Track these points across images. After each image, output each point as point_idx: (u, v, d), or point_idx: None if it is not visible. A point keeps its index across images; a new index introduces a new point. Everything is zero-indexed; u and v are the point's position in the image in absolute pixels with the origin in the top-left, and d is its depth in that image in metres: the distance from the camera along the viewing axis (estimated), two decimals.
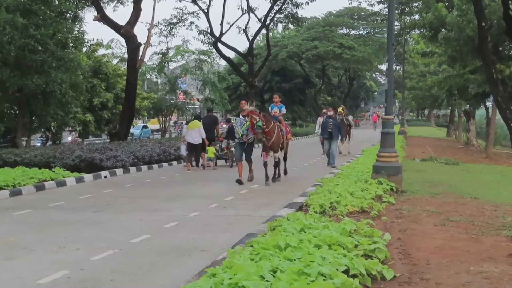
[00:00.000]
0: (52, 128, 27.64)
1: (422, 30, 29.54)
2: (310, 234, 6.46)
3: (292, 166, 17.75)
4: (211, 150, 19.38)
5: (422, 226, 7.95)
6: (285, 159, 16.15)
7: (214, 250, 7.26)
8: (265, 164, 14.34)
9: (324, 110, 25.81)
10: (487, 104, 35.33)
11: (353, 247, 6.13)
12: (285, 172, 16.08)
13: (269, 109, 16.39)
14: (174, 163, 21.11)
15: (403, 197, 10.88)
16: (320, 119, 23.86)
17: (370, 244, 6.21)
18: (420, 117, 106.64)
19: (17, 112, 22.55)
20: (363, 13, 64.09)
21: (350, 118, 28.34)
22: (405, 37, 43.09)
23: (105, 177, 16.69)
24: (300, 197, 11.14)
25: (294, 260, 5.41)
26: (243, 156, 14.95)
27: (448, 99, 37.77)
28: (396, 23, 20.79)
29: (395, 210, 9.30)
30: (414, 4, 36.24)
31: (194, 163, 19.51)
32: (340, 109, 24.79)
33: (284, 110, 16.15)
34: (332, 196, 9.75)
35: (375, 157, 13.40)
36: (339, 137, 21.29)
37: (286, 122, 18.79)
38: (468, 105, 36.05)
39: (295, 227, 6.96)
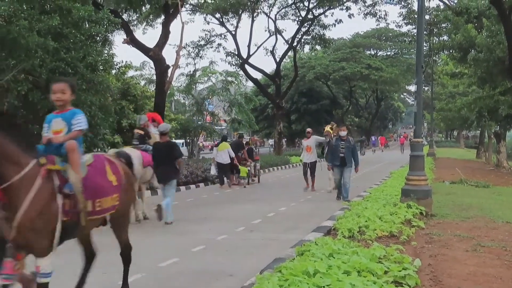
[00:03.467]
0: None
1: (451, 51, 29.39)
2: (339, 259, 6.40)
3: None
4: (243, 170, 21.12)
5: (453, 252, 7.82)
6: (126, 262, 6.84)
7: (241, 274, 7.22)
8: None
9: (309, 130, 19.59)
10: None
11: (383, 273, 6.05)
12: None
13: (46, 126, 5.77)
14: (202, 185, 21.13)
15: (433, 221, 10.72)
16: (305, 143, 18.94)
17: (400, 271, 6.12)
18: (449, 138, 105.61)
19: None
20: (390, 34, 63.90)
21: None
22: (434, 58, 42.82)
23: None
24: (328, 221, 11.04)
25: (323, 287, 5.36)
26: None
27: (478, 121, 37.33)
28: (424, 44, 20.61)
29: (425, 235, 9.16)
30: (443, 25, 36.05)
31: (227, 181, 20.87)
32: (327, 128, 18.24)
33: (79, 125, 5.69)
34: (360, 220, 9.65)
35: (403, 180, 13.27)
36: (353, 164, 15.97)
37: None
38: (498, 127, 35.61)
39: (323, 252, 6.90)
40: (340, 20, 39.80)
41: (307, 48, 45.63)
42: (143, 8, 27.33)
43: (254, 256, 8.38)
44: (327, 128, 18.22)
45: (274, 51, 41.92)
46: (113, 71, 26.84)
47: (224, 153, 20.27)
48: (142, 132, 13.35)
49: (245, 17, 40.31)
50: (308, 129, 19.68)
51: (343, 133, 15.98)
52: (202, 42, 41.38)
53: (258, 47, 41.62)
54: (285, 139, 64.18)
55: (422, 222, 10.19)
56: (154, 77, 30.82)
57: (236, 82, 42.86)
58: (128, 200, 6.17)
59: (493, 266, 6.95)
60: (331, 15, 67.76)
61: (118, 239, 6.48)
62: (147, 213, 12.52)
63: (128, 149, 12.47)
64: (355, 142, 17.98)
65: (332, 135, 17.24)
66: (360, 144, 57.95)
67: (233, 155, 20.40)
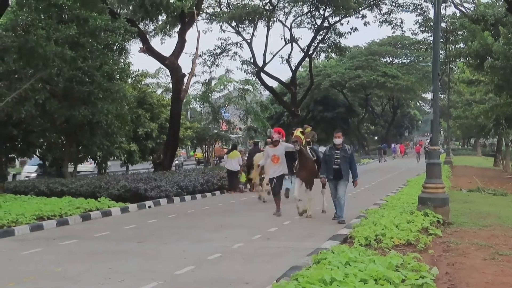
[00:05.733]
0: (98, 157, 28.07)
1: (467, 58, 29.26)
2: (355, 268, 6.37)
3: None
4: (243, 176, 22.05)
5: (470, 260, 7.75)
6: None
7: (257, 282, 7.21)
8: None
9: (275, 136, 15.03)
10: None
11: (400, 281, 6.02)
12: None
13: None
14: (217, 193, 21.15)
15: (450, 230, 10.64)
16: (271, 151, 14.73)
17: (417, 279, 6.09)
18: (466, 146, 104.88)
19: (64, 142, 22.97)
20: (406, 42, 63.62)
21: (322, 149, 15.42)
22: (450, 66, 42.65)
23: (149, 207, 16.79)
24: (345, 229, 11.00)
25: None
26: None
27: (495, 128, 37.09)
28: (440, 51, 20.39)
29: (442, 243, 9.10)
30: (459, 33, 35.89)
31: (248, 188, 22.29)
32: (297, 132, 13.72)
33: None
34: (377, 228, 9.60)
35: (420, 188, 13.19)
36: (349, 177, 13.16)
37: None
38: None
39: (340, 260, 6.87)
40: (356, 28, 39.56)
41: (322, 56, 45.61)
42: (160, 17, 27.52)
43: (270, 264, 8.36)
44: (297, 132, 13.74)
45: (290, 59, 41.90)
46: (130, 80, 27.01)
47: (234, 161, 21.36)
48: (270, 140, 16.84)
49: (261, 25, 40.16)
50: (274, 135, 15.33)
51: (338, 140, 13.07)
52: (218, 51, 41.47)
53: (274, 56, 41.55)
54: None
55: (439, 230, 10.11)
56: (170, 85, 30.90)
57: (253, 91, 42.86)
58: None
59: (511, 274, 6.89)
60: (347, 23, 67.72)
61: None
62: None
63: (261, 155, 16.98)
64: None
65: (304, 142, 13.65)
66: (378, 152, 58.29)
67: (240, 162, 21.52)
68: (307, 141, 14.01)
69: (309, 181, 13.85)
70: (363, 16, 39.07)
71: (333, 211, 13.47)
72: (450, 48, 36.50)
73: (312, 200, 13.98)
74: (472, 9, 33.53)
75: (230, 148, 24.66)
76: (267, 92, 47.71)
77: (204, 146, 41.68)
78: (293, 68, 42.04)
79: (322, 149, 15.97)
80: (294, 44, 41.55)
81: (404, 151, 70.46)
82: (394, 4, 38.91)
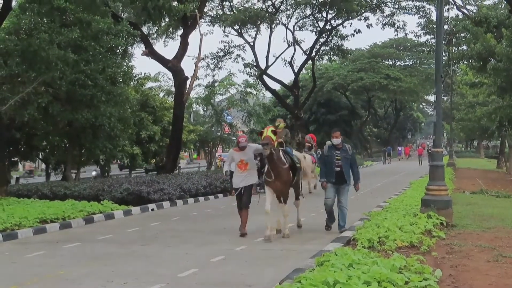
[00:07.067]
0: (101, 161, 28.10)
1: (470, 60, 29.20)
2: (359, 270, 6.35)
3: None
4: None
5: (474, 262, 7.73)
6: None
7: (260, 285, 7.21)
8: None
9: (241, 140, 11.87)
10: None
11: (404, 284, 6.00)
12: None
13: None
14: (220, 195, 21.14)
15: (454, 232, 10.60)
16: (237, 155, 11.83)
17: (421, 281, 6.06)
18: (469, 149, 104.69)
19: (67, 145, 23.00)
20: (408, 44, 63.59)
21: (300, 155, 13.99)
22: (453, 68, 42.59)
23: (152, 210, 16.80)
24: (348, 231, 10.99)
25: None
26: None
27: (498, 130, 36.99)
28: (443, 53, 20.28)
29: (446, 245, 9.07)
30: (462, 35, 35.84)
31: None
32: (267, 132, 10.96)
33: None
34: (380, 230, 9.57)
35: (423, 190, 13.15)
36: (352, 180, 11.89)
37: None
38: None
39: (343, 262, 6.84)
40: (359, 30, 39.64)
41: (325, 58, 45.58)
42: (162, 20, 27.61)
43: (273, 267, 8.36)
44: (267, 131, 11.02)
45: (293, 62, 41.91)
46: (132, 83, 27.06)
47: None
48: (309, 144, 22.20)
49: (264, 28, 40.21)
50: (241, 137, 12.52)
51: (337, 140, 11.71)
52: (221, 54, 41.50)
53: (277, 58, 41.61)
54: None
55: (442, 232, 10.07)
56: (173, 88, 30.95)
57: (255, 93, 42.83)
58: None
59: None
60: (350, 26, 67.36)
61: None
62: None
63: (302, 154, 19.46)
64: (353, 151, 12.29)
65: (275, 143, 11.12)
66: (383, 154, 58.62)
67: None
68: (279, 142, 11.61)
69: (283, 193, 11.59)
70: (366, 19, 39.08)
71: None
72: (453, 50, 36.45)
73: (288, 217, 11.63)
74: (474, 11, 33.51)
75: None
76: (269, 94, 47.73)
77: (206, 149, 41.69)
78: (296, 70, 42.06)
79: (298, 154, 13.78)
80: (296, 46, 41.61)
81: (409, 153, 71.98)
82: (396, 6, 38.93)
